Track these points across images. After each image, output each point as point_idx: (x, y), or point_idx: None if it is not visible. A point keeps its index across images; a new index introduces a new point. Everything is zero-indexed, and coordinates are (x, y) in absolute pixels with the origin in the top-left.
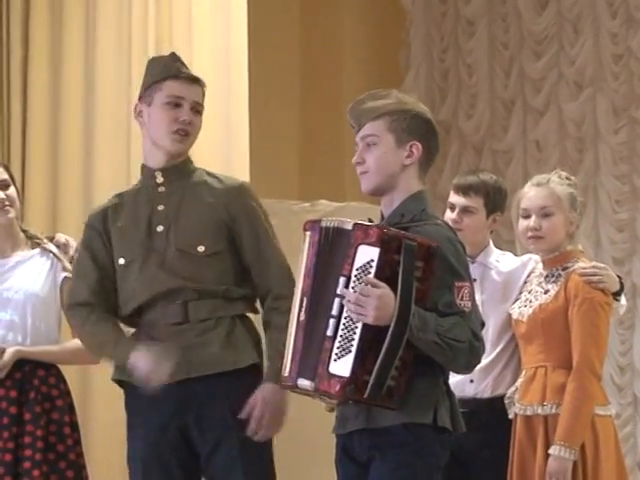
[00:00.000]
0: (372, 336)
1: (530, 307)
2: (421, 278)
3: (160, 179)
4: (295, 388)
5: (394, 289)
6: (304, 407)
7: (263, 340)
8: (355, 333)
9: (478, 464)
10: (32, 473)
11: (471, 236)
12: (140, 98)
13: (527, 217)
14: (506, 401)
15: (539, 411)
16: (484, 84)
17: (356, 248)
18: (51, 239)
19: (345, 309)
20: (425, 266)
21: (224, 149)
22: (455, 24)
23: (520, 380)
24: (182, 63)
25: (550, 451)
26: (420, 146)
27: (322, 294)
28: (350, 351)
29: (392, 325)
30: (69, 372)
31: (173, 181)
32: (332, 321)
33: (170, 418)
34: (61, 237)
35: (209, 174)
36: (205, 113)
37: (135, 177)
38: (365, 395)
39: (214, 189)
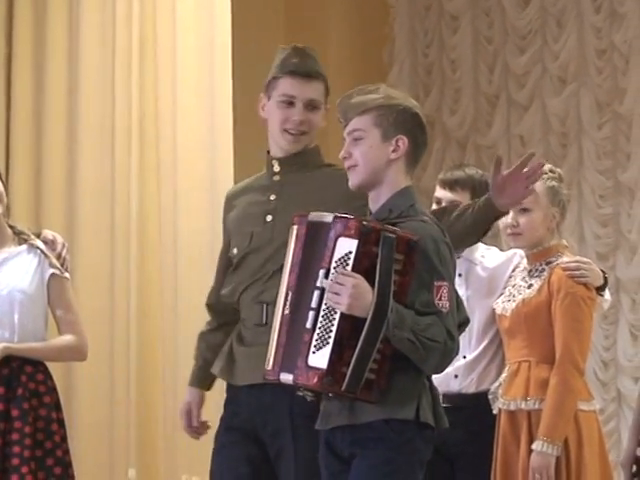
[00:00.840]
0: (350, 328)
1: (513, 302)
2: (401, 271)
3: (277, 167)
4: (278, 382)
5: (373, 281)
6: None
7: None
8: (333, 325)
9: (462, 459)
10: (20, 470)
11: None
12: (264, 90)
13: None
14: (490, 396)
15: (522, 406)
16: (468, 79)
17: (336, 240)
18: (38, 235)
19: (324, 301)
20: (405, 259)
21: (208, 145)
22: (439, 19)
23: (504, 375)
24: (303, 57)
25: (533, 446)
26: (406, 140)
27: (305, 288)
28: (328, 343)
29: (369, 317)
30: (52, 370)
31: (288, 172)
32: (311, 313)
33: (244, 419)
34: (48, 233)
35: (329, 167)
36: (188, 110)
37: (120, 175)
38: (343, 387)
39: (323, 182)
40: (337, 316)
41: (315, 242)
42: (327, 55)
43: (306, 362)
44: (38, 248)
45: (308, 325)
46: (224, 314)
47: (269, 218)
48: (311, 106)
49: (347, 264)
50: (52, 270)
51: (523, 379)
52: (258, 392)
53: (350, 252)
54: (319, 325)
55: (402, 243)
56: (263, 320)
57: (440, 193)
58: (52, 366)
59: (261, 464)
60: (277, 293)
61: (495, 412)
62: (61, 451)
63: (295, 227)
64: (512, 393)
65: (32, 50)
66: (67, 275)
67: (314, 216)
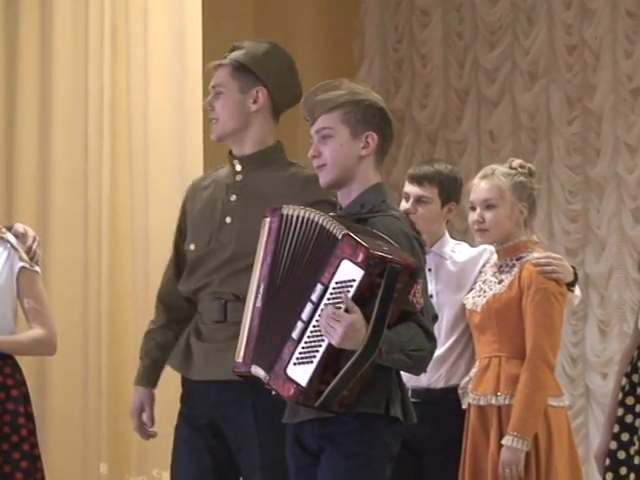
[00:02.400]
0: (337, 352)
1: (484, 297)
2: (397, 299)
3: (238, 167)
4: (248, 375)
5: (368, 311)
6: None
7: None
8: (321, 346)
9: (431, 454)
10: None
11: (426, 226)
12: None
13: (473, 209)
14: (459, 391)
15: (493, 401)
16: (438, 74)
17: (340, 260)
18: (9, 228)
19: (315, 317)
20: (403, 288)
21: (178, 135)
22: (409, 14)
23: (474, 370)
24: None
25: (503, 441)
26: (376, 136)
27: (285, 285)
28: (312, 362)
29: (360, 350)
30: (26, 363)
31: (249, 171)
32: (300, 325)
33: (203, 414)
34: (19, 227)
35: (291, 165)
36: (160, 99)
37: (92, 167)
38: (316, 404)
39: (280, 184)
40: (326, 340)
41: (301, 241)
42: (297, 49)
43: (285, 370)
44: (8, 242)
45: (295, 336)
46: (174, 310)
47: (228, 220)
48: (214, 92)
49: (347, 290)
50: (22, 263)
51: (493, 374)
52: (218, 388)
53: (353, 280)
54: (306, 339)
55: (405, 273)
56: (222, 317)
57: (409, 188)
58: (25, 358)
59: (223, 456)
60: (237, 290)
61: (464, 407)
62: (28, 445)
63: (267, 220)
64: (482, 388)
65: (4, 42)
66: (37, 269)
67: (289, 210)
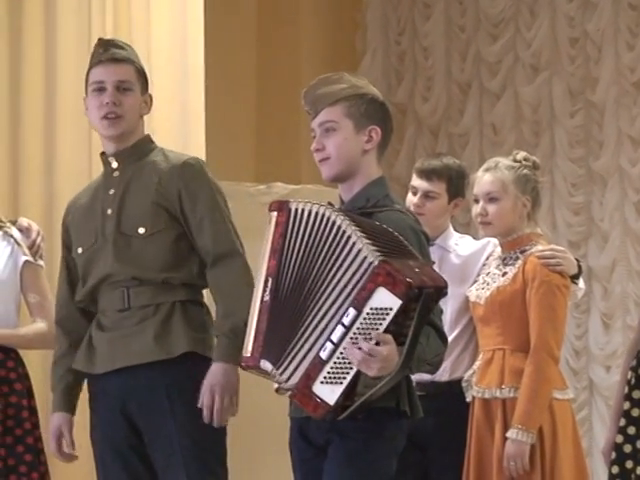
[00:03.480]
0: (366, 375)
1: (488, 290)
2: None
3: (115, 164)
4: (256, 369)
5: (401, 334)
6: (259, 387)
7: None
8: (352, 369)
9: (435, 448)
10: None
11: (432, 220)
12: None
13: (477, 202)
14: (463, 384)
15: (497, 394)
16: (440, 67)
17: (376, 287)
18: (14, 223)
19: (345, 340)
20: (432, 304)
21: (180, 132)
22: (411, 7)
23: (478, 363)
24: (108, 46)
25: (508, 434)
26: (379, 130)
27: (295, 281)
28: (341, 383)
29: (393, 375)
30: (31, 356)
31: (127, 165)
32: (330, 346)
33: (115, 407)
34: (23, 221)
35: (164, 154)
36: (162, 96)
37: (97, 161)
38: (340, 417)
39: (159, 168)
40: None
41: (307, 234)
42: (299, 42)
43: (310, 387)
44: (12, 236)
45: (324, 356)
46: (75, 331)
47: (109, 212)
48: (122, 88)
49: (383, 318)
50: (25, 257)
51: (498, 367)
52: (127, 376)
53: (390, 309)
54: (335, 360)
55: (436, 295)
56: (125, 304)
57: (417, 182)
58: (31, 352)
59: (140, 448)
60: (136, 273)
61: (468, 400)
62: (32, 438)
63: (274, 214)
64: (486, 381)
65: (7, 37)
66: (41, 263)
67: (298, 204)
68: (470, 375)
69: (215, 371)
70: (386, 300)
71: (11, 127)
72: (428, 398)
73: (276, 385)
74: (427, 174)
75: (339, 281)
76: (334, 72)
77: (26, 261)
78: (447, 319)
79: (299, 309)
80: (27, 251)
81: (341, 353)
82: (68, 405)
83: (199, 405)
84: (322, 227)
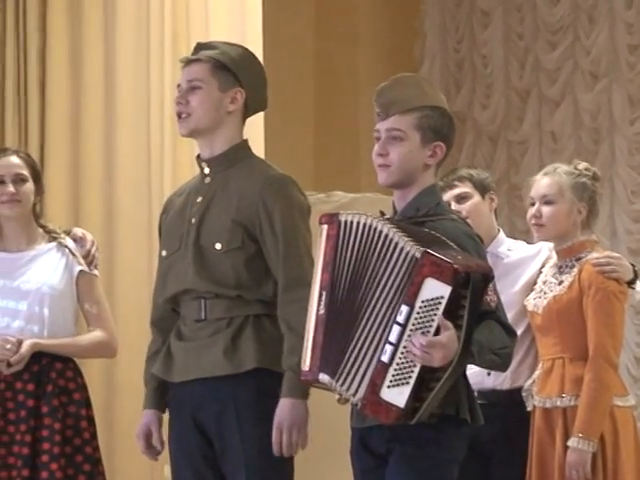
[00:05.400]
0: (431, 369)
1: (545, 299)
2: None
3: (207, 170)
4: (316, 383)
5: (457, 322)
6: (319, 397)
7: None
8: (415, 366)
9: (497, 456)
10: (50, 466)
11: (476, 220)
12: None
13: (532, 205)
14: (523, 394)
15: (558, 403)
16: (499, 74)
17: (423, 279)
18: (68, 233)
19: (404, 339)
20: (482, 292)
21: None
22: (470, 14)
23: (537, 372)
24: (197, 50)
25: (569, 443)
26: (444, 147)
27: (347, 292)
28: (408, 382)
29: (454, 363)
30: (91, 365)
31: (217, 172)
32: (389, 348)
33: (189, 416)
34: (78, 231)
35: (252, 164)
36: None
37: (155, 169)
38: (413, 421)
39: (243, 183)
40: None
41: (357, 245)
42: (358, 49)
43: (378, 394)
44: (66, 247)
45: (385, 359)
46: (169, 328)
47: (193, 221)
48: (190, 87)
49: (437, 308)
50: (80, 267)
51: (557, 376)
52: (200, 387)
53: (442, 297)
54: (397, 361)
55: (484, 280)
56: (202, 315)
57: (446, 196)
58: (91, 362)
59: (213, 459)
60: (214, 288)
61: (529, 409)
62: (90, 448)
63: (325, 227)
64: (547, 391)
65: (67, 45)
66: (96, 272)
67: (347, 216)
68: (530, 384)
69: (283, 407)
70: (436, 289)
71: (70, 137)
72: (490, 406)
73: (337, 396)
74: (450, 184)
75: (387, 284)
76: (405, 73)
77: (81, 271)
78: None
79: (353, 319)
80: (82, 261)
81: (402, 353)
82: (158, 403)
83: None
84: (370, 237)
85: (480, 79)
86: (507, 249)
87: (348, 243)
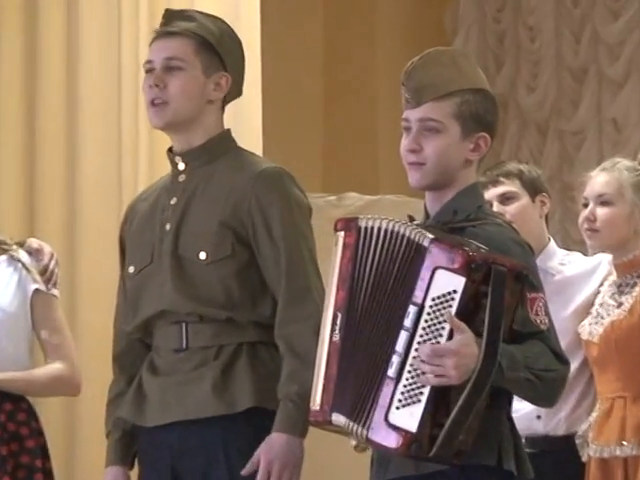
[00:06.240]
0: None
1: (601, 325)
2: (506, 309)
3: (181, 165)
4: (328, 425)
5: (476, 327)
6: (329, 443)
7: None
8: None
9: None
10: None
11: (524, 226)
12: None
13: (586, 206)
14: (577, 440)
15: (617, 452)
16: (549, 50)
17: (433, 272)
18: (21, 245)
19: (413, 347)
20: (511, 295)
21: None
22: None
23: (594, 414)
24: (170, 18)
25: None
26: (488, 138)
27: (368, 313)
28: (419, 400)
29: (475, 373)
30: (49, 405)
31: (195, 168)
32: (396, 359)
33: (165, 465)
34: (33, 242)
35: (241, 157)
36: None
37: (127, 167)
38: (431, 453)
39: (231, 178)
40: None
41: (377, 254)
42: (375, 22)
43: (386, 418)
44: (19, 261)
45: (391, 373)
46: (135, 367)
47: (167, 227)
48: (168, 67)
49: (450, 305)
50: (36, 286)
51: (617, 419)
52: (181, 432)
53: (454, 292)
54: (406, 375)
55: (511, 276)
56: (182, 344)
57: (486, 196)
58: (49, 402)
59: None
60: (197, 308)
61: (584, 459)
62: None
63: (341, 234)
64: (605, 437)
65: (20, 14)
66: (55, 292)
67: (368, 220)
68: (585, 430)
69: (274, 442)
70: (447, 282)
71: (24, 126)
72: (542, 456)
73: (354, 442)
74: (493, 180)
75: (404, 293)
76: (438, 47)
77: (37, 290)
78: None
79: (373, 346)
80: (38, 278)
81: (411, 365)
82: (124, 457)
83: (244, 473)
84: (395, 246)
85: (525, 55)
86: (559, 263)
87: (368, 254)
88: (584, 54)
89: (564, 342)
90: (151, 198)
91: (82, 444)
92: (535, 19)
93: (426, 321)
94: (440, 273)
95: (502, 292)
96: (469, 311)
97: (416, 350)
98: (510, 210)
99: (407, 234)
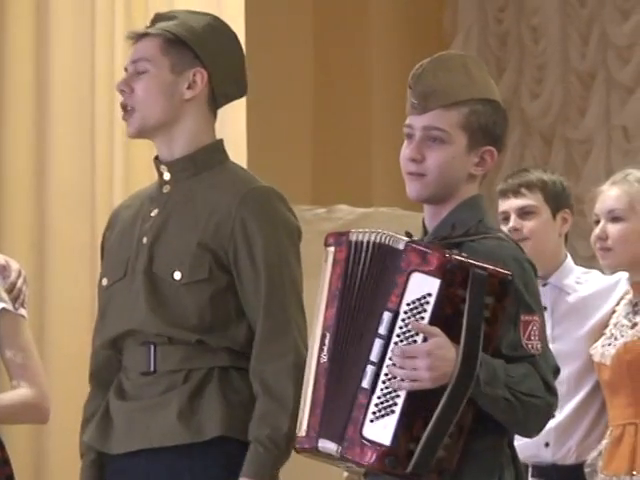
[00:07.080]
0: (422, 392)
1: (614, 346)
2: (489, 319)
3: (167, 175)
4: (315, 452)
5: (455, 334)
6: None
7: None
8: (402, 391)
9: None
10: None
11: (540, 245)
12: None
13: (597, 223)
14: (586, 469)
15: None
16: (554, 53)
17: (408, 275)
18: None
19: (387, 356)
20: (495, 303)
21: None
22: None
23: (604, 442)
24: (154, 22)
25: None
26: (495, 153)
27: (354, 330)
28: (393, 412)
29: (452, 382)
30: (16, 432)
31: (180, 180)
32: (370, 369)
33: None
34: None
35: (229, 173)
36: None
37: (101, 176)
38: (408, 469)
39: (216, 195)
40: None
41: (369, 272)
42: (369, 23)
43: (360, 432)
44: None
45: (365, 384)
46: (111, 382)
47: (144, 240)
48: (134, 69)
49: (424, 310)
50: (2, 305)
51: (628, 447)
52: (146, 460)
53: (429, 294)
54: (380, 386)
55: (494, 282)
56: (150, 366)
57: (505, 205)
58: (15, 429)
59: None
60: (166, 330)
61: None
62: None
63: (331, 249)
64: (614, 466)
65: None
66: (23, 312)
67: (359, 234)
68: (595, 458)
69: None
70: (422, 285)
71: None
72: None
73: (345, 473)
74: (514, 190)
75: (382, 302)
76: (420, 57)
77: (3, 309)
78: (565, 382)
79: (360, 362)
80: (5, 296)
81: (385, 374)
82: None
83: None
84: (381, 260)
85: (529, 58)
86: (575, 281)
87: (357, 269)
88: (592, 57)
89: (577, 364)
90: (135, 206)
91: (51, 474)
92: (539, 19)
93: (400, 327)
94: (415, 276)
95: (481, 296)
96: (446, 316)
97: (390, 359)
98: (528, 226)
99: (388, 243)
